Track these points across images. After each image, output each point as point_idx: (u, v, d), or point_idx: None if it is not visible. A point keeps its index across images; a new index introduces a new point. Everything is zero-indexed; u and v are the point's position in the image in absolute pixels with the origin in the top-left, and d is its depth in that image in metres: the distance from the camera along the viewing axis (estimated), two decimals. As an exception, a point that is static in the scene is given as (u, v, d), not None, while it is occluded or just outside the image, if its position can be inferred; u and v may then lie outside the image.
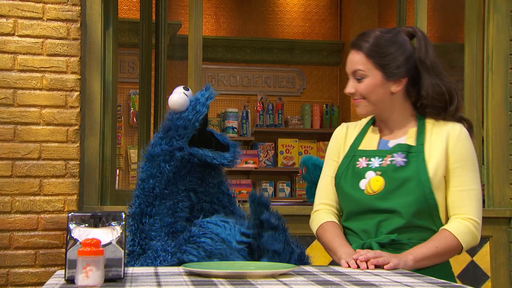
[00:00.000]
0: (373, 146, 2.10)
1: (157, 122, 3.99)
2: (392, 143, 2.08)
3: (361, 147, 2.12)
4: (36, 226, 3.15)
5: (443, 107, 2.06)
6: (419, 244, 1.96)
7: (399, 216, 1.98)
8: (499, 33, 3.75)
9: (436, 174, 1.98)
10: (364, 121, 2.20)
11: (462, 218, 1.99)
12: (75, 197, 3.20)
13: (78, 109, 3.22)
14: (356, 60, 2.04)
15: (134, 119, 6.76)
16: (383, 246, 1.98)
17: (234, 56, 7.22)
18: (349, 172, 2.08)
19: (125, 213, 1.53)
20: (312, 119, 7.16)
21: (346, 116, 7.16)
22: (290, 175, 7.14)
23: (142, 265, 1.91)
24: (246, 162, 6.86)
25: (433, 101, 2.05)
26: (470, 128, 2.09)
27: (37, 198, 3.16)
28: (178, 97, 2.00)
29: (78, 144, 3.21)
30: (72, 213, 1.50)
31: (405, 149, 2.02)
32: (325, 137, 7.23)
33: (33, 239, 3.14)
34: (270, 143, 7.03)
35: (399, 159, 2.01)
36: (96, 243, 1.40)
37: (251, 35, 7.31)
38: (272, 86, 7.34)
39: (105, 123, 3.41)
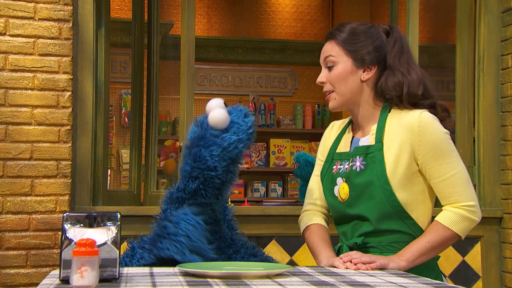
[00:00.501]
0: (347, 147, 2.09)
1: (149, 122, 3.98)
2: (361, 141, 2.06)
3: (338, 150, 2.12)
4: (28, 227, 3.14)
5: (400, 99, 2.01)
6: (411, 242, 1.95)
7: (367, 222, 1.98)
8: (490, 34, 3.77)
9: (396, 172, 1.93)
10: (346, 120, 2.19)
11: (453, 206, 1.95)
12: (67, 197, 3.19)
13: (70, 109, 3.21)
14: (327, 48, 2.06)
15: (126, 119, 6.75)
16: (352, 249, 1.98)
17: (226, 56, 7.21)
18: (328, 178, 2.10)
19: (120, 214, 1.53)
20: (304, 119, 7.17)
21: (338, 117, 7.16)
22: (282, 175, 7.14)
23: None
24: (238, 163, 6.85)
25: (391, 94, 2.01)
26: (443, 112, 2.02)
27: (29, 198, 3.15)
28: (220, 113, 1.91)
29: (70, 144, 3.20)
30: (67, 213, 1.50)
31: (363, 151, 2.00)
32: (317, 137, 7.22)
33: (25, 240, 3.13)
34: (262, 143, 7.03)
35: (357, 163, 2.00)
36: (91, 243, 1.39)
37: (243, 35, 7.31)
38: (264, 86, 7.35)
39: (97, 123, 3.40)
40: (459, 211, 1.94)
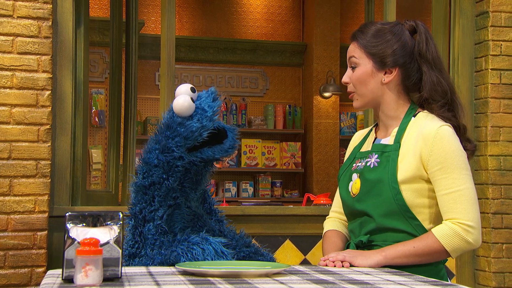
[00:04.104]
0: (369, 147, 2.12)
1: (127, 122, 3.96)
2: (382, 142, 2.08)
3: (361, 149, 2.15)
4: (6, 227, 3.10)
5: (443, 102, 2.02)
6: (398, 242, 1.98)
7: (371, 218, 2.00)
8: (464, 37, 3.84)
9: (406, 174, 1.94)
10: (372, 126, 2.23)
11: (451, 222, 1.92)
12: (46, 197, 3.15)
13: (49, 108, 3.18)
14: (351, 49, 2.08)
15: (96, 119, 6.72)
16: (358, 247, 2.02)
17: (197, 56, 7.21)
18: (346, 174, 2.12)
19: (122, 213, 1.53)
20: (275, 120, 7.22)
21: (309, 117, 7.23)
22: (253, 175, 7.18)
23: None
24: (210, 162, 6.86)
25: (432, 95, 2.02)
26: (456, 128, 2.02)
27: (7, 198, 3.11)
28: (183, 100, 1.91)
29: (49, 144, 3.17)
30: (69, 213, 1.49)
31: (380, 149, 2.02)
32: (288, 137, 7.29)
33: (2, 240, 3.09)
34: (233, 143, 7.03)
35: (372, 159, 2.02)
36: (95, 242, 1.39)
37: (214, 35, 7.32)
38: (235, 87, 7.36)
39: (76, 122, 3.37)
40: (454, 227, 1.91)
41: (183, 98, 1.91)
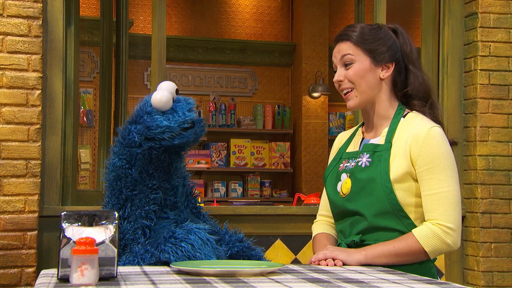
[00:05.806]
0: (356, 147, 2.13)
1: (118, 122, 3.95)
2: (372, 142, 2.09)
3: (348, 150, 2.16)
4: (-5, 227, 3.08)
5: (425, 99, 2.08)
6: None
7: (363, 218, 2.00)
8: (453, 38, 3.86)
9: (397, 173, 1.96)
10: (353, 128, 2.25)
11: (431, 223, 1.94)
12: (36, 197, 3.14)
13: (39, 108, 3.17)
14: (344, 47, 2.06)
15: (84, 118, 6.70)
16: (350, 247, 2.02)
17: (186, 55, 7.21)
18: (333, 175, 2.13)
19: (118, 213, 1.53)
20: (264, 120, 7.23)
21: (298, 117, 7.24)
22: (242, 175, 7.18)
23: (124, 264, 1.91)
24: (199, 162, 6.86)
25: (418, 93, 2.07)
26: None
27: (-3, 198, 3.09)
28: (162, 95, 1.93)
29: (39, 144, 3.16)
30: (65, 212, 1.49)
31: (371, 149, 2.03)
32: (277, 137, 7.30)
33: (-8, 240, 3.07)
34: (222, 143, 7.05)
35: (364, 159, 2.03)
36: (91, 241, 1.39)
37: (203, 35, 7.32)
38: (224, 87, 7.36)
39: (66, 122, 3.36)
40: (433, 228, 1.93)
41: (162, 93, 1.93)
